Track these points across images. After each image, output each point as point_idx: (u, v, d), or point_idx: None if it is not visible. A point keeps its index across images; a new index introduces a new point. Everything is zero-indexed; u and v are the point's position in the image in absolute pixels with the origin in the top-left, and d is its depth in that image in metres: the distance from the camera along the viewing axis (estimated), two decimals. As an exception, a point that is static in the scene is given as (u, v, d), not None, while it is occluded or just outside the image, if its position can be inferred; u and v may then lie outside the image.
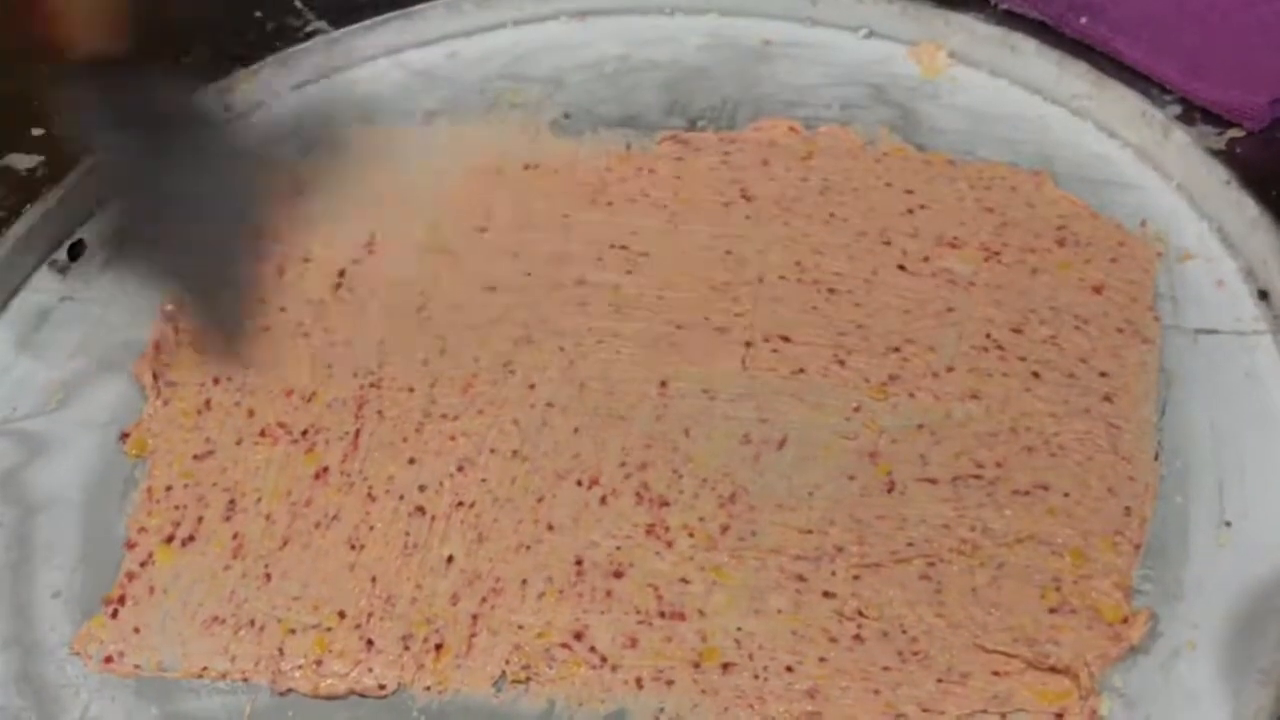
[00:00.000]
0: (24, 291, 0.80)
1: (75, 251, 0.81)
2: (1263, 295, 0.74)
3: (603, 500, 0.66)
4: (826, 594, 0.62)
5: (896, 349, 0.71)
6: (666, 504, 0.66)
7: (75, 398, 0.73)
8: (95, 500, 0.69)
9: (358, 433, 0.70)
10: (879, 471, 0.66)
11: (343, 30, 0.91)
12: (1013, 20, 0.88)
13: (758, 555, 0.64)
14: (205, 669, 0.62)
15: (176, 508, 0.67)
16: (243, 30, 0.91)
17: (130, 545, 0.67)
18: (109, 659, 0.63)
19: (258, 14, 0.92)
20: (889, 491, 0.66)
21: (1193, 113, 0.81)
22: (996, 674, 0.60)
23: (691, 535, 0.65)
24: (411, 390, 0.71)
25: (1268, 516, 0.65)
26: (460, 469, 0.68)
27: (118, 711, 0.61)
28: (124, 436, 0.71)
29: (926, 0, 0.90)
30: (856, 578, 0.63)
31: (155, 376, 0.73)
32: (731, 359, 0.72)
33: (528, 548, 0.65)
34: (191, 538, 0.66)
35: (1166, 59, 0.83)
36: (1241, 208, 0.76)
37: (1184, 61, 0.83)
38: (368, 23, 0.92)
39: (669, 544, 0.64)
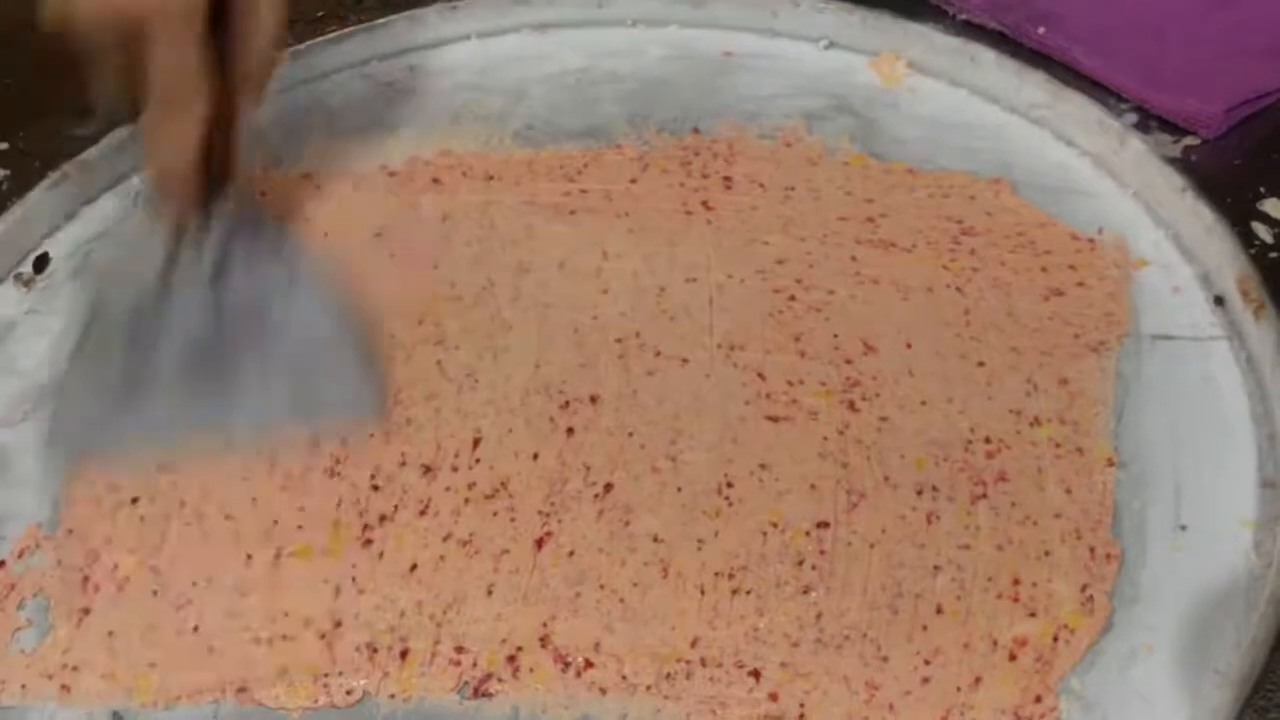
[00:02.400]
0: (-12, 305, 0.80)
1: (40, 265, 0.81)
2: (1218, 301, 0.75)
3: (567, 507, 0.67)
4: (788, 600, 0.63)
5: (856, 356, 0.72)
6: (631, 510, 0.66)
7: (41, 410, 0.73)
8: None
9: (317, 444, 0.70)
10: (840, 479, 0.67)
11: (306, 44, 0.92)
12: (972, 31, 0.89)
13: (721, 561, 0.64)
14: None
15: (142, 519, 0.68)
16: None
17: (95, 557, 0.67)
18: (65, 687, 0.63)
19: (221, 27, 0.93)
20: (850, 498, 0.66)
21: (1149, 121, 0.83)
22: (958, 678, 0.60)
23: (655, 541, 0.65)
24: (375, 400, 0.72)
25: (1224, 520, 0.65)
26: (423, 477, 0.68)
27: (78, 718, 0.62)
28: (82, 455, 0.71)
29: (886, 11, 0.91)
30: (817, 585, 0.63)
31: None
32: (692, 366, 0.72)
33: (492, 555, 0.65)
34: (156, 549, 0.66)
35: (1123, 68, 0.84)
36: (1197, 215, 0.77)
37: (1140, 71, 0.84)
38: (331, 36, 0.93)
39: (633, 550, 0.65)
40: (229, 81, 0.69)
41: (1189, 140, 0.81)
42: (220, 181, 0.72)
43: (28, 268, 0.81)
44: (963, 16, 0.90)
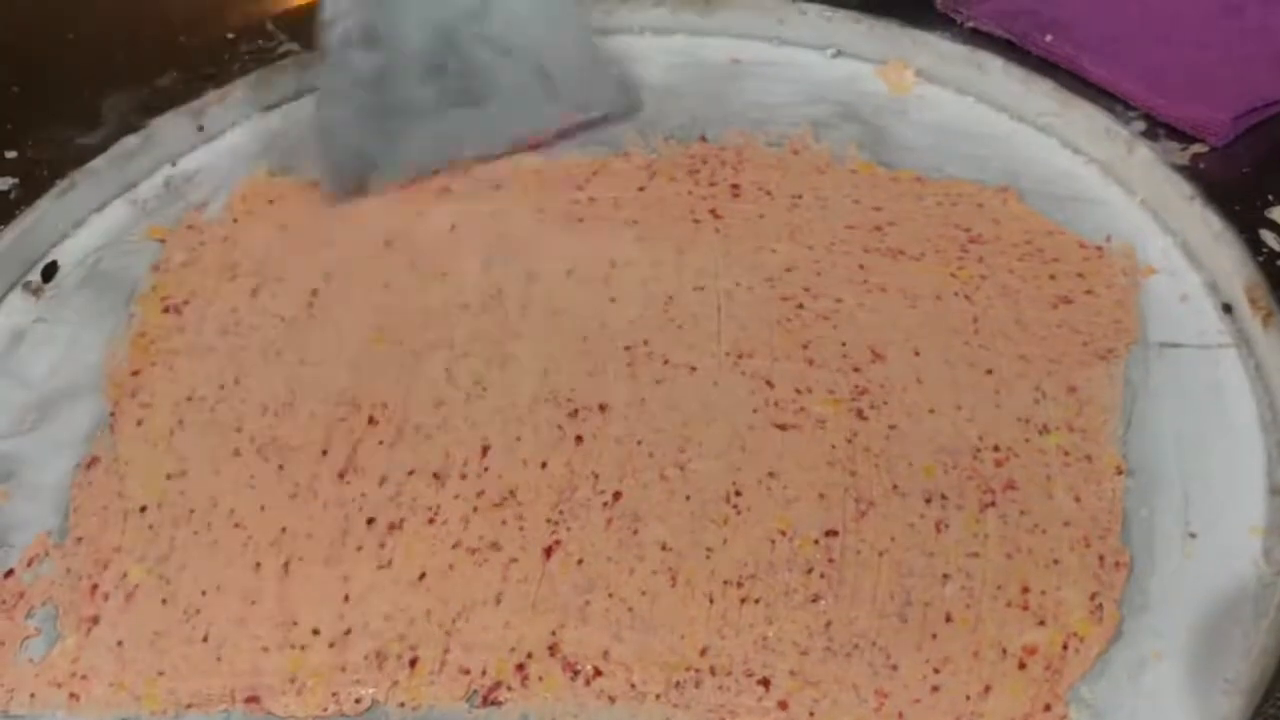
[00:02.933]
0: (-4, 314, 0.80)
1: (49, 273, 0.81)
2: (1226, 309, 0.75)
3: (575, 515, 0.67)
4: (797, 609, 0.63)
5: (864, 364, 0.72)
6: (639, 518, 0.66)
7: (49, 419, 0.73)
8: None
9: (326, 452, 0.70)
10: (849, 487, 0.67)
11: (314, 52, 0.92)
12: (979, 39, 0.89)
13: (730, 569, 0.64)
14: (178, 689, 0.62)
15: (150, 527, 0.68)
16: (216, 52, 0.92)
17: (104, 565, 0.67)
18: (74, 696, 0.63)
19: (230, 36, 0.93)
20: (859, 507, 0.66)
21: (1156, 129, 0.82)
22: (967, 687, 0.60)
23: (664, 549, 0.65)
24: (385, 406, 0.72)
25: (1232, 528, 0.65)
26: (432, 486, 0.68)
27: (89, 727, 0.62)
28: (91, 463, 0.71)
29: (893, 19, 0.91)
30: (826, 593, 0.63)
31: (133, 395, 0.73)
32: (701, 374, 0.72)
33: (501, 563, 0.65)
34: (165, 558, 0.67)
35: (1130, 76, 0.84)
36: (1205, 222, 0.77)
37: (1148, 78, 0.84)
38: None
39: (641, 558, 0.65)
40: None
41: (1197, 148, 0.81)
42: None
43: (36, 276, 0.81)
44: (970, 24, 0.90)
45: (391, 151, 0.78)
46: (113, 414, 0.73)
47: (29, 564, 0.67)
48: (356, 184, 0.81)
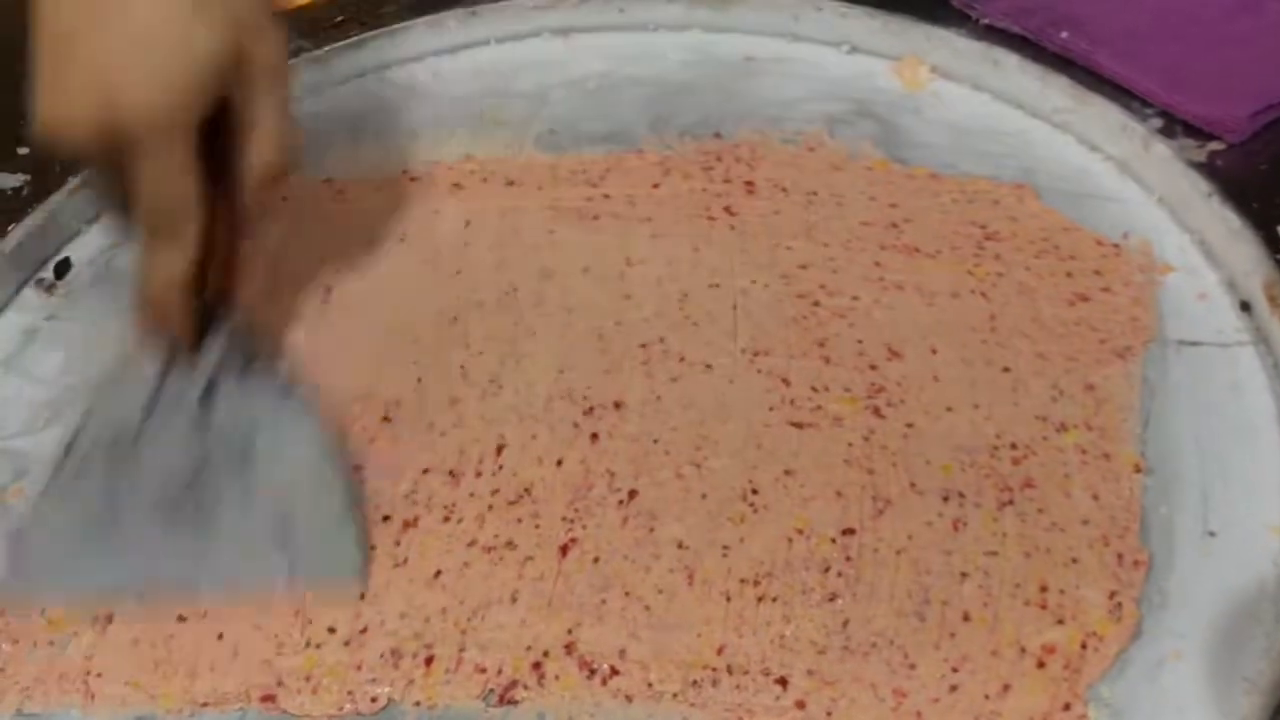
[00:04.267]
0: (10, 311, 0.80)
1: (61, 270, 0.81)
2: (1244, 307, 0.74)
3: (591, 513, 0.66)
4: (814, 607, 0.62)
5: (881, 362, 0.72)
6: (656, 516, 0.66)
7: (63, 416, 0.73)
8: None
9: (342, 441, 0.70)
10: (866, 485, 0.67)
11: (326, 49, 0.92)
12: (994, 35, 0.89)
13: (747, 568, 0.64)
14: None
15: (163, 525, 0.68)
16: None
17: (118, 564, 0.66)
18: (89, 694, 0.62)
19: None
20: (876, 505, 0.66)
21: (1174, 126, 0.82)
22: (986, 686, 0.60)
23: (680, 548, 0.65)
24: (399, 404, 0.71)
25: (1252, 526, 0.65)
26: (447, 484, 0.68)
27: (102, 725, 0.62)
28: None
29: (908, 15, 0.91)
30: (844, 592, 0.63)
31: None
32: (717, 372, 0.72)
33: (517, 561, 0.65)
34: (180, 555, 0.66)
35: (1147, 72, 0.84)
36: (1223, 220, 0.77)
37: (1165, 75, 0.84)
38: (351, 40, 0.93)
39: (657, 556, 0.64)
40: (227, 202, 0.66)
41: (1214, 145, 0.81)
42: (215, 308, 0.68)
43: (49, 273, 0.81)
44: (985, 21, 0.90)
45: (93, 569, 0.66)
46: (126, 414, 0.73)
47: (41, 564, 0.67)
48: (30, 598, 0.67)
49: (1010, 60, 0.88)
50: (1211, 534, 0.65)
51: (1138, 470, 0.67)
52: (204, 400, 0.68)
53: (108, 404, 0.69)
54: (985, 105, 0.88)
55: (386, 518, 0.67)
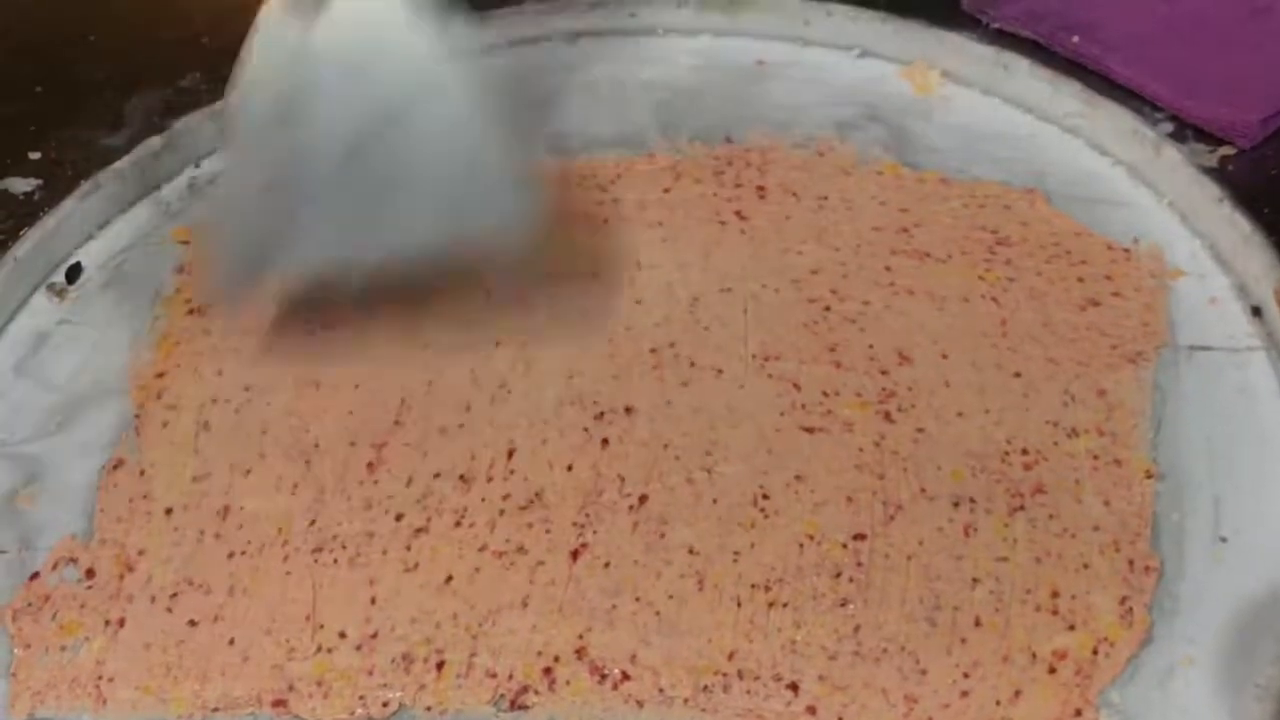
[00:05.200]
0: (21, 315, 0.80)
1: (73, 275, 0.81)
2: (1255, 312, 0.74)
3: (602, 518, 0.66)
4: (825, 613, 0.62)
5: (892, 367, 0.72)
6: (666, 521, 0.66)
7: (74, 421, 0.73)
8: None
9: (351, 454, 0.70)
10: (876, 490, 0.67)
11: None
12: (1005, 40, 0.89)
13: (758, 573, 0.64)
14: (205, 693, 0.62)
15: (176, 529, 0.68)
16: (238, 53, 0.91)
17: (130, 568, 0.66)
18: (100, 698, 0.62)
19: (253, 35, 0.93)
20: (887, 510, 0.66)
21: (1184, 131, 0.82)
22: (997, 691, 0.60)
23: (691, 553, 0.65)
24: (410, 409, 0.71)
25: (1264, 532, 0.65)
26: (458, 488, 0.68)
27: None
28: (116, 465, 0.71)
29: (919, 20, 0.91)
30: (855, 597, 0.63)
31: (159, 397, 0.73)
32: (727, 377, 0.72)
33: (528, 566, 0.65)
34: (190, 559, 0.66)
35: (1159, 77, 0.84)
36: (1234, 225, 0.76)
37: (1176, 80, 0.84)
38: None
39: (668, 562, 0.64)
40: None
41: (1225, 150, 0.80)
42: None
43: (60, 278, 0.81)
44: (996, 25, 0.90)
45: (290, 244, 0.70)
46: (138, 416, 0.73)
47: (54, 567, 0.67)
48: (248, 277, 0.73)
49: (1021, 65, 0.87)
50: (1223, 540, 0.65)
51: (1149, 476, 0.67)
52: (359, 63, 0.68)
53: (263, 73, 0.70)
54: (995, 110, 0.88)
55: (398, 520, 0.67)
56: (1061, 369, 0.71)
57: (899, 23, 0.91)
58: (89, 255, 0.83)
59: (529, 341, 0.74)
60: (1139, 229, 0.79)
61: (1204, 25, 0.88)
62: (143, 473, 0.70)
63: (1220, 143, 0.81)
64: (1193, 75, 0.84)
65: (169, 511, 0.68)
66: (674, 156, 0.85)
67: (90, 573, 0.66)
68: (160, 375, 0.75)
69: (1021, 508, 0.66)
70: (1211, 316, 0.75)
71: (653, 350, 0.73)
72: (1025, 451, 0.68)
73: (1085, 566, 0.63)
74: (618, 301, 0.75)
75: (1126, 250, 0.77)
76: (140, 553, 0.67)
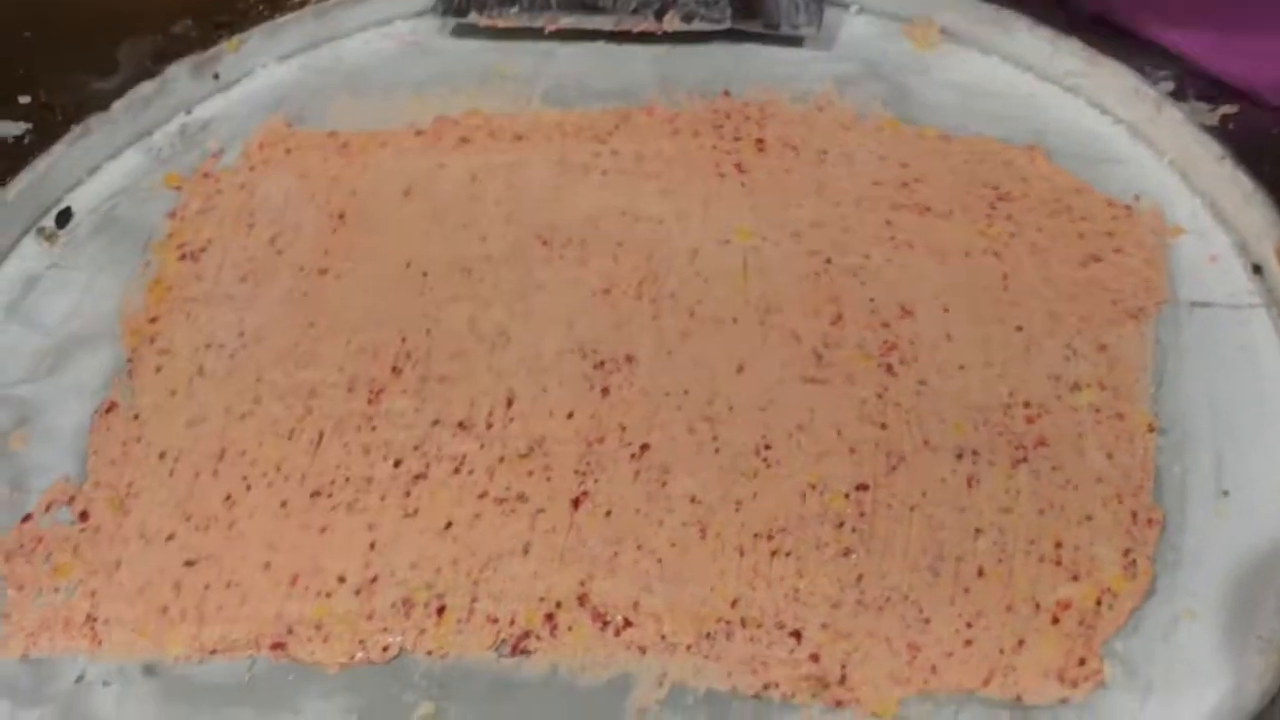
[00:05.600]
0: (11, 259, 0.79)
1: (63, 219, 0.80)
2: (1256, 269, 0.74)
3: (603, 467, 0.66)
4: (828, 562, 0.62)
5: (893, 320, 0.71)
6: (668, 470, 0.65)
7: (65, 364, 0.73)
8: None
9: (349, 397, 0.69)
10: (879, 441, 0.66)
11: (331, 1, 0.91)
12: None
13: (760, 523, 0.63)
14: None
15: (171, 474, 0.67)
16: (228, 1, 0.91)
17: (124, 510, 0.66)
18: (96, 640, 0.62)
19: (245, -17, 0.92)
20: (889, 461, 0.66)
21: (1185, 89, 0.82)
22: (1000, 641, 0.60)
23: (693, 502, 0.64)
24: (408, 356, 0.71)
25: (1265, 486, 0.65)
26: (457, 435, 0.67)
27: (113, 673, 0.61)
28: (109, 408, 0.70)
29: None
30: (858, 547, 0.63)
31: (151, 341, 0.73)
32: (728, 328, 0.71)
33: (528, 513, 0.64)
34: (185, 502, 0.66)
35: (1187, 34, 0.83)
36: (1235, 183, 0.76)
37: (1206, 37, 0.83)
38: (358, -5, 0.92)
39: (670, 510, 0.64)
40: None
41: (1226, 108, 0.80)
42: None
43: (50, 222, 0.80)
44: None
45: None
46: (130, 360, 0.72)
47: (47, 509, 0.67)
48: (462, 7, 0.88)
49: (1020, 23, 0.87)
50: (1225, 493, 0.65)
51: (1151, 429, 0.67)
52: None
53: None
54: (995, 68, 0.87)
55: (396, 465, 0.66)
56: (1063, 324, 0.71)
57: (898, -25, 0.91)
58: (79, 200, 0.82)
59: None
60: (1139, 187, 0.79)
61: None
62: (136, 416, 0.69)
63: (1221, 101, 0.81)
64: (1223, 33, 0.83)
65: (163, 455, 0.68)
66: (672, 110, 0.84)
67: (84, 515, 0.66)
68: (153, 320, 0.74)
69: (1025, 460, 0.65)
70: (1212, 274, 0.74)
71: (652, 300, 0.73)
72: (1028, 405, 0.68)
73: (1088, 518, 0.63)
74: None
75: (1127, 207, 0.77)
76: (134, 495, 0.66)
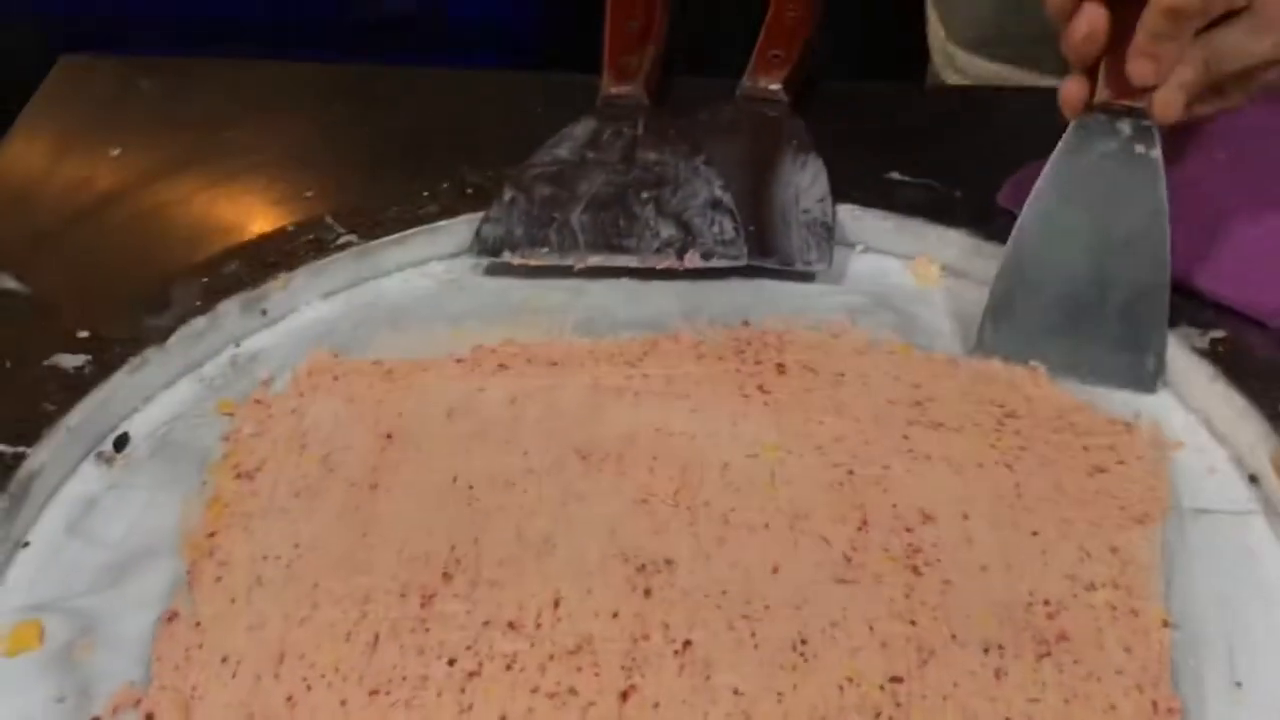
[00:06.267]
0: (72, 482, 0.82)
1: (121, 443, 0.84)
2: (1253, 479, 0.79)
3: (649, 662, 0.69)
4: (860, 751, 0.65)
5: (916, 525, 0.76)
6: (711, 664, 0.69)
7: (127, 577, 0.76)
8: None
9: (403, 602, 0.72)
10: (910, 636, 0.70)
11: (372, 243, 0.97)
12: (1002, 233, 0.93)
13: (802, 713, 0.66)
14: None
15: (234, 676, 0.70)
16: (277, 242, 0.96)
17: (187, 713, 0.68)
18: None
19: (290, 228, 0.98)
20: (920, 655, 0.69)
21: (1176, 316, 0.87)
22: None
23: (736, 694, 0.67)
24: (459, 563, 0.74)
25: (1277, 677, 0.69)
26: (508, 635, 0.70)
27: None
28: (171, 617, 0.73)
29: (917, 217, 0.97)
30: (894, 734, 0.66)
31: (210, 554, 0.76)
32: (760, 533, 0.75)
33: (579, 707, 0.67)
34: (247, 705, 0.68)
35: (1191, 263, 0.89)
36: (1228, 401, 0.82)
37: (1210, 265, 0.90)
38: (395, 236, 0.97)
39: (715, 702, 0.67)
40: None
41: (1215, 333, 0.85)
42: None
43: (108, 447, 0.84)
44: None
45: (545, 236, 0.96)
46: (190, 573, 0.75)
47: (114, 711, 0.69)
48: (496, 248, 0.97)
49: (1016, 257, 0.93)
50: (1239, 684, 0.68)
51: (1165, 625, 0.70)
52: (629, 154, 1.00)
53: (551, 151, 1.01)
54: (993, 298, 0.93)
55: (451, 663, 0.69)
56: (1075, 528, 0.75)
57: (900, 220, 0.97)
58: (136, 426, 0.86)
59: None
60: (1137, 406, 0.84)
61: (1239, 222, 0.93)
62: (198, 624, 0.72)
63: (1210, 327, 0.86)
64: (1221, 261, 0.90)
65: (225, 659, 0.70)
66: (696, 337, 0.89)
67: (149, 717, 0.68)
68: (211, 534, 0.77)
69: (1048, 654, 0.69)
70: (1212, 483, 0.79)
71: (688, 509, 0.77)
72: (1047, 602, 0.71)
73: (1112, 708, 0.66)
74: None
75: (1128, 424, 0.82)
76: (199, 698, 0.69)
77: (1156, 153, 0.83)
